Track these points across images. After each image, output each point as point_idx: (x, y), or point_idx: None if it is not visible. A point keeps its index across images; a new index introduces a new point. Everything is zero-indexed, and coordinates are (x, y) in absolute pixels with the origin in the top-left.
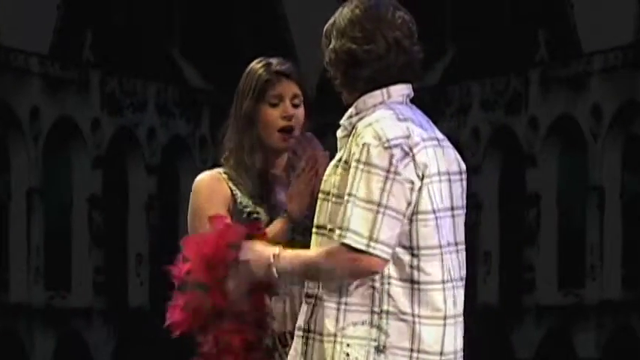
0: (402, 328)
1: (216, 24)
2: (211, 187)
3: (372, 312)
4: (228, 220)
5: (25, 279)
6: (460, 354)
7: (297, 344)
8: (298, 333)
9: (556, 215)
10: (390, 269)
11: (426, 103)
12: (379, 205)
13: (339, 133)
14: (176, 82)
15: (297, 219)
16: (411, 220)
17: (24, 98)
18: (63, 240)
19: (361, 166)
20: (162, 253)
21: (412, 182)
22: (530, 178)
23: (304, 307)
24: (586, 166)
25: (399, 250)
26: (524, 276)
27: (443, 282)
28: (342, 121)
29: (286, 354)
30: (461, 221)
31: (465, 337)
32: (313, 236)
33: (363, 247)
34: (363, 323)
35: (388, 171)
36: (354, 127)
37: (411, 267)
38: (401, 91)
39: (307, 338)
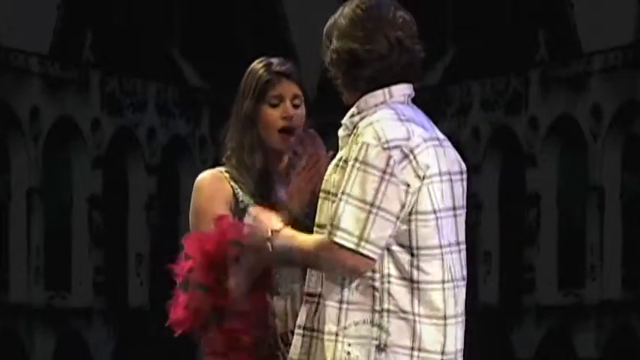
0: (402, 327)
1: (216, 24)
2: (213, 185)
3: (373, 311)
4: (232, 219)
5: (25, 279)
6: (460, 354)
7: (297, 342)
8: (299, 331)
9: (556, 215)
10: (390, 268)
11: (427, 102)
12: (372, 205)
13: (341, 132)
14: (176, 82)
15: (297, 217)
16: (410, 220)
17: (24, 98)
18: (63, 240)
19: (358, 165)
20: (162, 253)
21: (408, 185)
22: (530, 178)
23: (305, 306)
24: (586, 166)
25: (398, 249)
26: (525, 276)
27: (443, 282)
28: (343, 120)
29: (288, 353)
30: (462, 221)
31: (464, 337)
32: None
33: (352, 246)
34: (364, 322)
35: (384, 172)
36: (355, 126)
37: (411, 266)
38: (402, 90)
39: (309, 337)
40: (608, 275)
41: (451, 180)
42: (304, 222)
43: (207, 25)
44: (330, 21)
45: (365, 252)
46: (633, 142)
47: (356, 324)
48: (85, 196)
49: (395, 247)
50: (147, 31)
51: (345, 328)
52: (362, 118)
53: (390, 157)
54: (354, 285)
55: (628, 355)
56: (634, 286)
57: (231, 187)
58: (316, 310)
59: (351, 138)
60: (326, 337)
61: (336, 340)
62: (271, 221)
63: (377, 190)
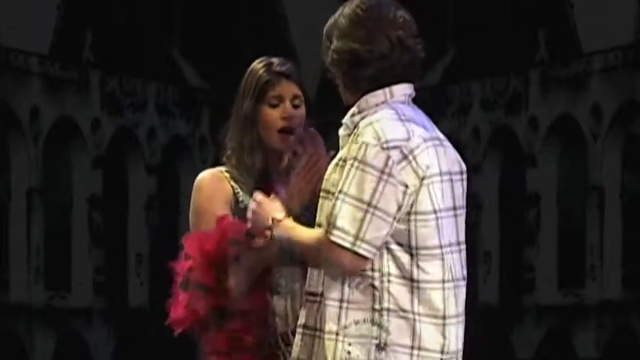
0: (402, 326)
1: (216, 24)
2: (213, 185)
3: (374, 310)
4: (232, 219)
5: (25, 279)
6: (460, 353)
7: (299, 342)
8: (301, 331)
9: (556, 215)
10: (390, 267)
11: (427, 102)
12: (369, 205)
13: (341, 131)
14: (176, 82)
15: (297, 216)
16: (409, 221)
17: (24, 98)
18: (63, 240)
19: (356, 164)
20: (162, 253)
21: (406, 185)
22: (530, 178)
23: (307, 305)
24: (586, 166)
25: (397, 248)
26: (524, 276)
27: (443, 281)
28: (344, 120)
29: (289, 352)
30: (462, 221)
31: (464, 337)
32: None
33: (348, 245)
34: (364, 321)
35: (382, 172)
36: (356, 125)
37: (411, 265)
38: (403, 90)
39: (311, 336)
40: (608, 275)
41: (451, 180)
42: (304, 221)
43: (207, 25)
44: (330, 21)
45: (360, 251)
46: (633, 142)
47: (356, 323)
48: (85, 196)
49: (394, 246)
50: (147, 31)
51: (345, 327)
52: (362, 118)
53: (388, 158)
54: (354, 284)
55: (628, 355)
56: (634, 286)
57: (232, 186)
58: (318, 310)
59: (351, 137)
60: (326, 336)
61: (336, 340)
62: (274, 209)
63: (374, 190)
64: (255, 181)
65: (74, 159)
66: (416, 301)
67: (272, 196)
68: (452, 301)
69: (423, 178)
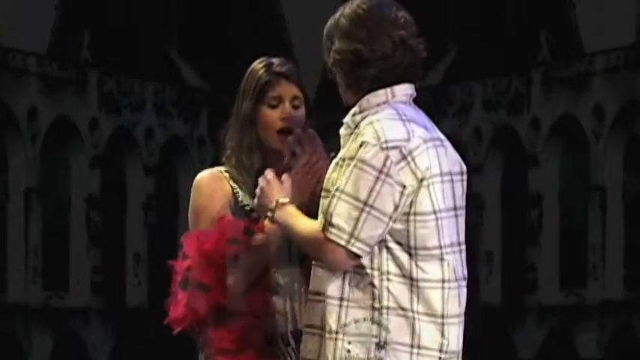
0: (402, 324)
1: (214, 24)
2: (212, 185)
3: (373, 308)
4: (231, 218)
5: (22, 279)
6: (460, 353)
7: (307, 341)
8: (309, 330)
9: (558, 215)
10: (390, 265)
11: (428, 103)
12: (365, 203)
13: (343, 131)
14: (174, 82)
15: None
16: (408, 221)
17: (22, 98)
18: (61, 240)
19: (355, 163)
20: (160, 252)
21: (404, 186)
22: (533, 178)
23: (311, 305)
24: (588, 166)
25: (396, 247)
26: (527, 276)
27: (442, 281)
28: (345, 119)
29: (288, 352)
30: (462, 221)
31: (466, 337)
32: None
33: (343, 243)
34: (364, 320)
35: (380, 172)
36: (357, 125)
37: (410, 265)
38: (405, 90)
39: (319, 336)
40: (610, 275)
41: (452, 180)
42: None
43: (204, 25)
44: (331, 22)
45: (354, 249)
46: (635, 142)
47: (356, 321)
48: (82, 195)
49: (393, 245)
50: (145, 31)
51: (345, 325)
52: (363, 118)
53: (387, 158)
54: (354, 282)
55: (630, 355)
56: (636, 286)
57: (231, 186)
58: (319, 308)
59: (352, 137)
60: (327, 335)
61: (336, 339)
62: (281, 191)
63: (371, 189)
64: (254, 181)
65: (72, 159)
66: (415, 299)
67: (283, 177)
68: (455, 301)
69: (422, 180)
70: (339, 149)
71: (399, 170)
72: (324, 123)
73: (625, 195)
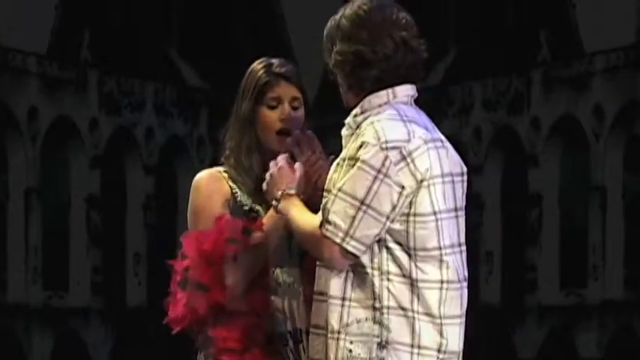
0: (403, 324)
1: (214, 24)
2: (211, 185)
3: (374, 308)
4: (230, 217)
5: (23, 279)
6: (460, 354)
7: (314, 342)
8: (315, 331)
9: (558, 215)
10: (390, 265)
11: (428, 103)
12: (362, 202)
13: (344, 131)
14: (174, 82)
15: None
16: (407, 222)
17: (22, 98)
18: (61, 240)
19: (354, 163)
20: (160, 252)
21: (402, 187)
22: (533, 178)
23: (316, 305)
24: (588, 166)
25: (396, 247)
26: (527, 276)
27: (441, 282)
28: (347, 120)
29: (287, 352)
30: (462, 222)
31: (467, 337)
32: None
33: (338, 240)
34: (366, 320)
35: (379, 172)
36: (358, 125)
37: (409, 265)
38: (406, 91)
39: (324, 336)
40: (610, 275)
41: (453, 181)
42: None
43: (204, 25)
44: (331, 23)
45: (349, 248)
46: (635, 142)
47: (358, 322)
48: (82, 195)
49: (393, 245)
50: (144, 31)
51: (347, 325)
52: (365, 118)
53: (386, 158)
54: (355, 282)
55: (630, 355)
56: (636, 286)
57: (230, 186)
58: (322, 308)
59: (353, 137)
60: (329, 334)
61: (337, 338)
62: (290, 181)
63: (369, 189)
64: (253, 181)
65: (72, 159)
66: (415, 299)
67: (296, 165)
68: (457, 302)
69: (421, 181)
70: (340, 150)
71: (397, 171)
72: (324, 125)
73: (625, 195)
